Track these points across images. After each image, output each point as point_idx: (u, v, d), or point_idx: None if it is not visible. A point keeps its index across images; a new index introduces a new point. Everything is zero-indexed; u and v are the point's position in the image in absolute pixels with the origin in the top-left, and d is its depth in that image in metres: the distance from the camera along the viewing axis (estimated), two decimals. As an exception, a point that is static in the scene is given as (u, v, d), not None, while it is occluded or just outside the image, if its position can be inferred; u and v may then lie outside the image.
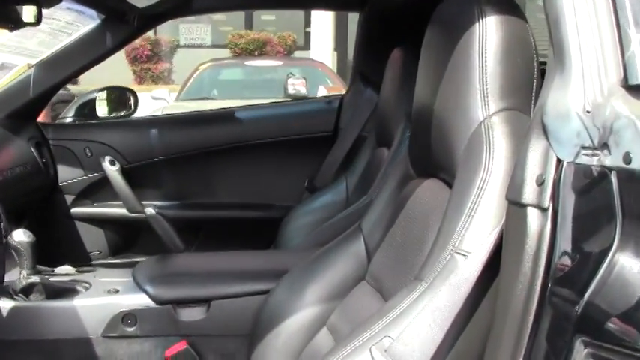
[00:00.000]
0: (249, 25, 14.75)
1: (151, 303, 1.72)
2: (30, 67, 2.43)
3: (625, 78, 0.81)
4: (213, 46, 14.55)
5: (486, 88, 1.05)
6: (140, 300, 1.72)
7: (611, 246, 0.76)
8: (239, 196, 2.72)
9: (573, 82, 0.84)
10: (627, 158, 0.75)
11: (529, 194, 0.87)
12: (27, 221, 2.30)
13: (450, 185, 1.12)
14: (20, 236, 1.71)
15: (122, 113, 2.90)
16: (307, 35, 13.69)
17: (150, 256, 2.00)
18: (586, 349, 0.76)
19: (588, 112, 0.82)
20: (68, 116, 2.99)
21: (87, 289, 1.79)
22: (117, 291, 1.75)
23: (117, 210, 2.61)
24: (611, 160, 0.77)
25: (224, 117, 2.94)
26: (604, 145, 0.78)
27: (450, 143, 1.12)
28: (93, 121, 2.83)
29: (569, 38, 0.86)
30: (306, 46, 13.53)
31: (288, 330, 1.42)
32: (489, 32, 1.06)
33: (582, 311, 0.77)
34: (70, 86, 8.08)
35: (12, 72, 2.49)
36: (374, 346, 1.00)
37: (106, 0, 2.25)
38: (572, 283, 0.80)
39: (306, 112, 3.01)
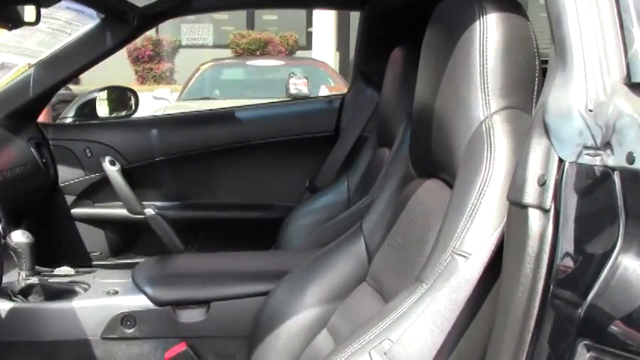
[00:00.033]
0: (251, 25, 14.76)
1: (150, 304, 1.71)
2: (30, 67, 2.42)
3: (628, 76, 0.80)
4: (215, 46, 14.56)
5: (487, 87, 1.04)
6: (139, 301, 1.72)
7: (614, 247, 0.75)
8: (240, 197, 2.72)
9: (575, 80, 0.83)
10: (630, 158, 0.74)
11: (530, 195, 0.86)
12: (26, 222, 2.29)
13: (450, 185, 1.11)
14: (19, 237, 1.70)
15: (123, 113, 2.90)
16: (309, 35, 13.70)
17: (150, 257, 1.99)
18: (589, 354, 0.74)
19: (591, 110, 0.81)
20: (68, 116, 2.99)
21: (86, 290, 1.78)
22: (116, 292, 1.75)
23: (117, 210, 2.61)
24: (614, 159, 0.76)
25: (225, 117, 2.94)
26: (607, 145, 0.77)
27: (450, 143, 1.11)
28: (93, 121, 2.83)
29: (571, 35, 0.85)
30: (308, 45, 13.54)
31: (288, 332, 1.42)
32: (490, 30, 1.04)
33: (585, 314, 0.76)
34: (72, 86, 8.10)
35: (12, 72, 2.48)
36: (373, 349, 0.99)
37: (106, -1, 2.25)
38: (575, 286, 0.79)
39: (307, 111, 3.00)
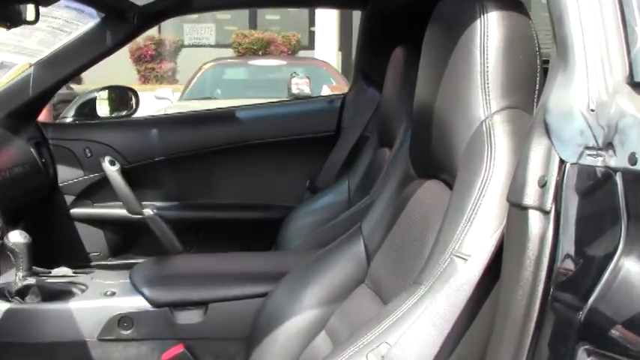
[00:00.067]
0: (253, 24, 14.76)
1: (147, 306, 1.70)
2: (30, 66, 2.41)
3: (631, 75, 0.79)
4: (217, 45, 14.56)
5: (488, 86, 1.03)
6: (137, 303, 1.70)
7: (615, 250, 0.74)
8: (240, 197, 2.71)
9: (577, 79, 0.82)
10: (633, 159, 0.73)
11: (531, 196, 0.85)
12: (24, 222, 2.28)
13: (450, 186, 1.10)
14: (16, 237, 1.69)
15: (123, 113, 2.89)
16: (312, 35, 13.69)
17: (148, 258, 1.98)
18: (589, 358, 0.73)
19: (592, 110, 0.80)
20: (68, 116, 2.99)
21: (83, 291, 1.77)
22: (113, 293, 1.73)
23: (117, 211, 2.60)
24: (616, 160, 0.75)
25: (225, 117, 2.93)
26: (609, 145, 0.76)
27: (450, 143, 1.09)
28: (93, 121, 2.82)
29: (573, 35, 0.83)
30: (311, 45, 13.53)
31: (286, 333, 1.40)
32: (491, 28, 1.03)
33: (585, 318, 0.74)
34: (73, 85, 8.11)
35: (11, 71, 2.47)
36: (371, 352, 0.98)
37: (106, -2, 2.24)
38: (575, 289, 0.77)
39: (307, 111, 2.99)
